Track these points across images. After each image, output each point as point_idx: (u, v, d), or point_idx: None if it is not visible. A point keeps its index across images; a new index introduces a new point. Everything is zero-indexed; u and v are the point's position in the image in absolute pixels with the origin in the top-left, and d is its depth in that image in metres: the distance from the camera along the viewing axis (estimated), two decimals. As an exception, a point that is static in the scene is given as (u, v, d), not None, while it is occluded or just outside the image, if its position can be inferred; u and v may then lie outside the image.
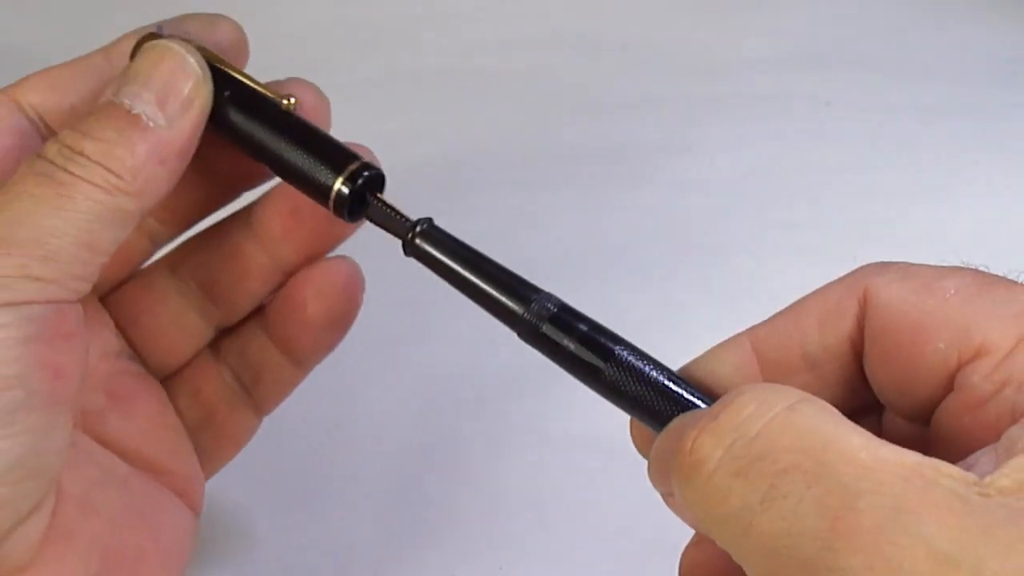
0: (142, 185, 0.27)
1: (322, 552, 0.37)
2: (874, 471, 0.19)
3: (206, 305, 0.33)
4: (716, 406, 0.21)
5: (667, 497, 0.24)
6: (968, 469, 0.20)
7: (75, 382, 0.26)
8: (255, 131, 0.29)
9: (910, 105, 0.60)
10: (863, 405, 0.26)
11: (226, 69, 0.29)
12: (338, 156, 0.29)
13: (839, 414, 0.20)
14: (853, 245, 0.51)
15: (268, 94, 0.29)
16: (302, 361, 0.33)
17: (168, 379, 0.34)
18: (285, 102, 0.29)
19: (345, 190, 0.28)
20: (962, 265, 0.25)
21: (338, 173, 0.28)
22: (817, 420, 0.20)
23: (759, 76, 0.62)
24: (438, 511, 0.39)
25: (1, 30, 0.67)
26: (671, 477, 0.22)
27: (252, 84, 0.29)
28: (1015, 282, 0.24)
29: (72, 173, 0.26)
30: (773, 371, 0.26)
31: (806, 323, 0.26)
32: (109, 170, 0.26)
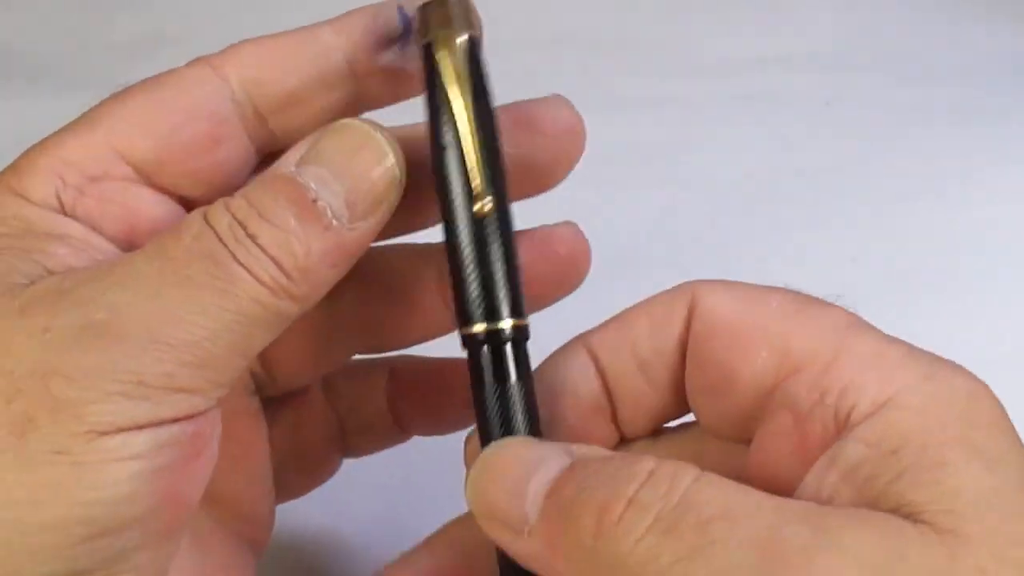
0: (308, 289, 0.23)
1: (321, 552, 0.37)
2: (785, 510, 0.20)
3: (352, 338, 0.30)
4: (625, 478, 0.21)
5: (507, 539, 0.22)
6: (817, 488, 0.22)
7: (195, 506, 0.23)
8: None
9: (910, 105, 0.59)
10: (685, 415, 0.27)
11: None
12: (498, 300, 0.24)
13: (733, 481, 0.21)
14: (853, 245, 0.51)
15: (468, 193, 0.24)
16: (409, 431, 0.32)
17: (271, 401, 0.30)
18: (478, 206, 0.24)
19: (480, 339, 0.24)
20: (784, 286, 0.25)
21: (487, 320, 0.24)
22: (723, 484, 0.21)
23: (759, 76, 0.62)
24: (437, 511, 0.39)
25: (1, 30, 0.67)
26: (574, 541, 0.21)
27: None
28: (830, 303, 0.24)
29: (241, 263, 0.22)
30: (609, 374, 0.26)
31: (637, 327, 0.26)
32: (281, 268, 0.22)
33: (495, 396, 0.24)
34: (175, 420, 0.22)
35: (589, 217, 0.54)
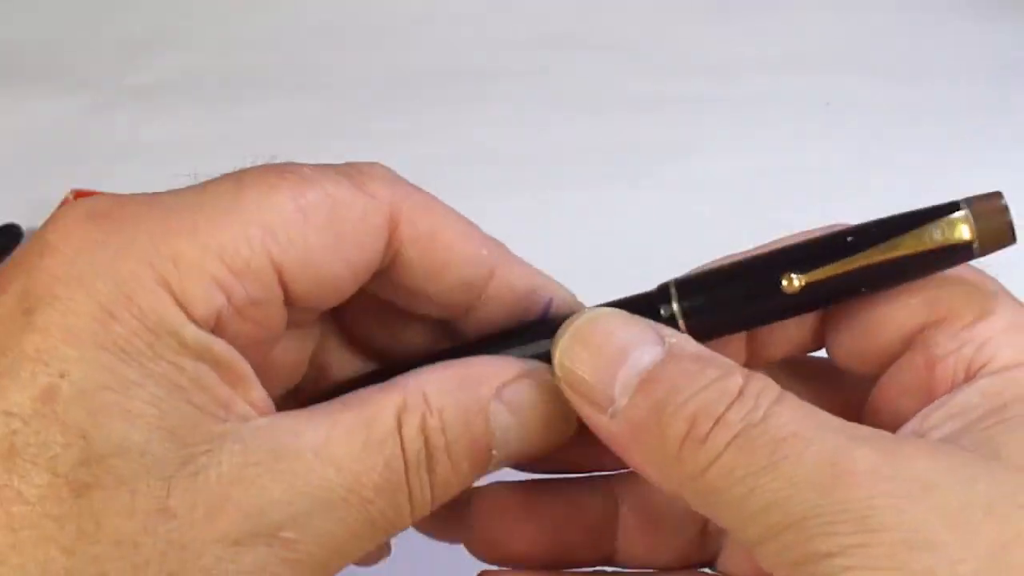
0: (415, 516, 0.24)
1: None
2: (857, 435, 0.22)
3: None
4: (716, 395, 0.22)
5: (598, 416, 0.23)
6: (919, 424, 0.24)
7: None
8: None
9: (910, 105, 0.59)
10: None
11: None
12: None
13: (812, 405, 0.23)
14: (853, 245, 0.51)
15: None
16: None
17: None
18: (788, 283, 0.26)
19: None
20: None
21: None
22: (802, 406, 0.22)
23: (759, 76, 0.62)
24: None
25: (2, 30, 0.67)
26: (657, 442, 0.22)
27: None
28: (979, 270, 0.26)
29: (410, 502, 0.23)
30: None
31: None
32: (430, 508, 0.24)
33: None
34: None
35: (589, 216, 0.54)
